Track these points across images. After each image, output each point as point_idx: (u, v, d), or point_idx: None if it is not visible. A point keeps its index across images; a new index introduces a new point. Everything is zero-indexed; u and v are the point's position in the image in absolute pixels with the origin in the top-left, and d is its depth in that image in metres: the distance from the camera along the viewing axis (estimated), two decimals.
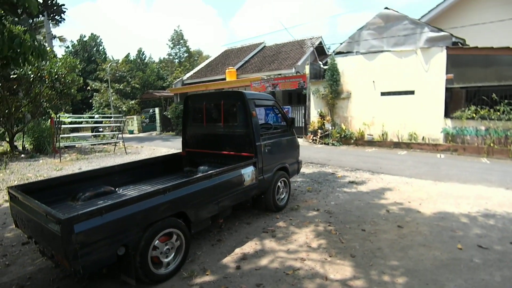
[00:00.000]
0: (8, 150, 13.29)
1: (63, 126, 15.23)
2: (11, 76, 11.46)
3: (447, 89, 11.59)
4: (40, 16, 21.31)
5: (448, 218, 4.47)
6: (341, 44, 14.09)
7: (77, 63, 13.60)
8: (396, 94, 12.61)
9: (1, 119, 13.18)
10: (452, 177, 7.03)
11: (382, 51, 12.82)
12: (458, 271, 3.06)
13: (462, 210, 4.80)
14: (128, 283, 2.90)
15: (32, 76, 11.91)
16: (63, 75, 12.78)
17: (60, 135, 13.10)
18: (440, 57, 11.61)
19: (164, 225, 3.07)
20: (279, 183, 4.90)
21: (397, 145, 12.35)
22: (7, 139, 13.30)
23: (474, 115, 10.85)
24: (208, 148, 5.09)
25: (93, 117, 20.69)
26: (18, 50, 3.48)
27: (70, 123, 16.57)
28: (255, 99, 4.56)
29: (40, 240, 2.92)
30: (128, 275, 2.85)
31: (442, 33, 11.67)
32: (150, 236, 2.92)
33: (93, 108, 30.36)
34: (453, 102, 11.68)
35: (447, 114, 11.60)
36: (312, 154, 10.58)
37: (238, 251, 3.65)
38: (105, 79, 30.21)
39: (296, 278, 3.03)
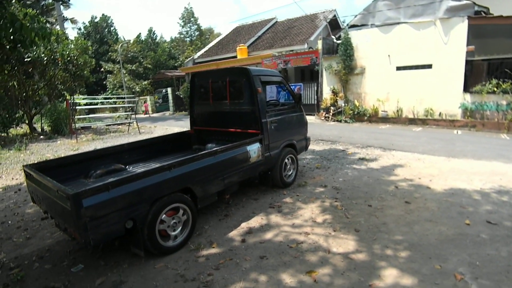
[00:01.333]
0: (28, 132, 13.81)
1: (78, 107, 15.70)
2: (25, 60, 11.67)
3: (467, 62, 11.04)
4: None
5: (459, 194, 4.39)
6: (355, 16, 13.51)
7: (89, 44, 13.66)
8: (412, 68, 12.12)
9: (20, 102, 13.61)
10: (467, 153, 6.82)
11: (398, 23, 12.22)
12: (463, 246, 3.04)
13: (474, 186, 4.69)
14: (138, 254, 3.04)
15: (45, 59, 12.10)
16: (75, 57, 12.94)
17: (76, 117, 13.48)
18: (461, 28, 10.98)
19: (170, 200, 3.16)
20: (286, 160, 4.91)
21: (412, 121, 12.02)
22: (27, 121, 13.79)
23: (495, 89, 10.34)
24: (215, 125, 5.11)
25: (109, 98, 21.08)
26: (21, 33, 3.52)
27: (86, 104, 17.00)
28: (261, 76, 4.49)
29: (54, 215, 3.07)
30: (137, 247, 2.99)
31: (463, 2, 10.96)
32: (157, 210, 3.02)
33: (107, 89, 30.82)
34: (473, 76, 11.13)
35: (466, 89, 11.11)
36: (323, 132, 10.47)
37: (244, 226, 3.74)
38: (117, 60, 30.42)
39: (299, 251, 3.09)
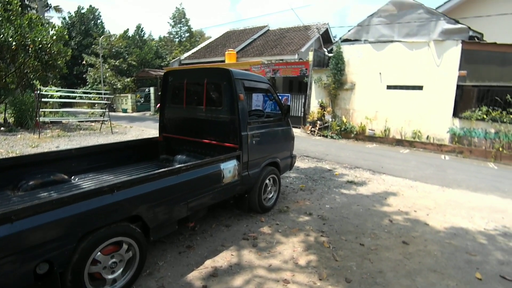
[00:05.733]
0: None
1: (52, 100, 14.48)
2: None
3: (458, 87, 10.83)
4: None
5: (462, 235, 3.82)
6: (349, 31, 13.18)
7: (65, 33, 12.60)
8: (403, 88, 11.83)
9: None
10: (460, 183, 6.37)
11: (392, 41, 11.95)
12: None
13: (477, 225, 4.15)
14: None
15: (14, 43, 10.98)
16: (48, 45, 11.86)
17: (44, 110, 12.33)
18: (455, 51, 10.79)
19: (109, 233, 2.38)
20: (267, 181, 4.21)
21: (400, 142, 11.67)
22: None
23: (485, 116, 10.13)
24: (187, 134, 4.36)
25: (87, 93, 19.72)
26: None
27: (59, 97, 15.72)
28: (244, 80, 3.80)
29: None
30: None
31: (459, 26, 10.80)
32: (88, 247, 2.24)
33: (87, 83, 29.33)
34: (463, 101, 10.93)
35: (455, 114, 10.87)
36: (309, 147, 9.88)
37: (209, 264, 2.99)
38: (102, 54, 29.08)
39: None
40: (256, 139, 3.88)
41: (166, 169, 2.81)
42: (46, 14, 32.87)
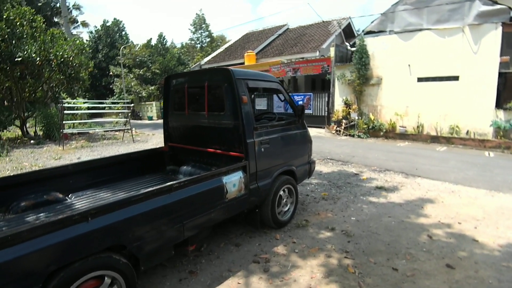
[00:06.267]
0: (19, 135, 13.05)
1: (79, 112, 14.90)
2: (16, 59, 10.92)
3: (500, 75, 9.69)
4: None
5: None
6: (372, 22, 12.33)
7: (85, 45, 12.90)
8: (436, 80, 10.81)
9: (14, 104, 12.93)
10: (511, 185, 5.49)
11: (421, 30, 10.99)
12: None
13: None
14: None
15: (37, 59, 11.35)
16: (70, 58, 12.16)
17: (65, 121, 12.63)
18: (494, 35, 9.67)
19: (86, 267, 2.03)
20: (281, 192, 3.73)
21: (435, 139, 10.64)
22: (18, 125, 13.06)
23: None
24: (192, 143, 3.99)
25: (114, 103, 20.19)
26: None
27: (86, 108, 16.11)
28: (248, 80, 3.35)
29: None
30: None
31: (497, 6, 9.66)
32: (59, 286, 1.89)
33: (114, 93, 30.34)
34: (508, 90, 9.75)
35: (499, 105, 9.73)
36: (333, 148, 9.23)
37: None
38: (127, 65, 29.98)
39: None
40: (265, 146, 3.41)
41: (153, 188, 2.42)
42: (75, 30, 34.56)
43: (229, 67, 3.26)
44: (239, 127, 3.22)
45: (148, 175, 4.18)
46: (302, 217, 4.11)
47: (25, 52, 10.90)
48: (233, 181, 3.04)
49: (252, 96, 16.16)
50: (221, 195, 2.93)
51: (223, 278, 2.83)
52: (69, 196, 3.39)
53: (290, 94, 4.20)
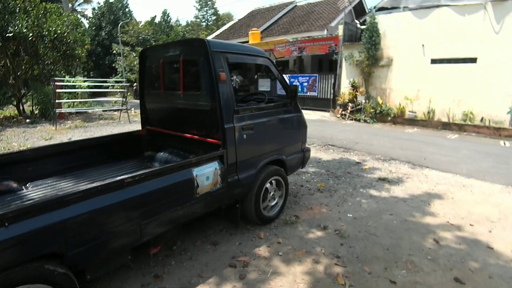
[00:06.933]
0: (15, 114, 12.78)
1: (79, 90, 14.50)
2: (7, 35, 10.43)
3: None
4: None
5: None
6: None
7: (80, 20, 12.30)
8: (451, 62, 10.01)
9: (9, 81, 12.56)
10: None
11: (438, 6, 10.07)
12: None
13: None
14: None
15: (30, 35, 10.84)
16: (64, 34, 11.61)
17: (62, 100, 12.27)
18: None
19: (7, 281, 1.63)
20: (267, 185, 3.28)
21: (446, 126, 9.98)
22: (14, 103, 12.76)
23: None
24: (169, 127, 3.53)
25: (106, 82, 19.66)
26: None
27: (75, 87, 15.58)
28: (228, 53, 2.81)
29: None
30: None
31: None
32: None
33: (118, 72, 29.79)
34: None
35: None
36: (336, 133, 8.69)
37: None
38: (130, 43, 29.26)
39: None
40: (248, 132, 2.92)
41: (98, 184, 1.97)
42: (80, 7, 33.67)
43: (205, 38, 2.73)
44: (216, 110, 2.73)
45: (123, 161, 3.76)
46: (292, 212, 3.68)
47: (16, 28, 10.39)
48: (206, 173, 2.59)
49: (256, 76, 15.58)
50: (190, 190, 2.49)
51: (192, 285, 2.44)
52: (27, 185, 2.99)
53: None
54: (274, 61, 3.48)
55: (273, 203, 3.44)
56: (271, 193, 3.38)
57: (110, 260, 2.15)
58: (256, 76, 15.24)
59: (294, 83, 14.01)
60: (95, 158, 3.62)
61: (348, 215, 3.61)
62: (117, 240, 2.10)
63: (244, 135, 2.88)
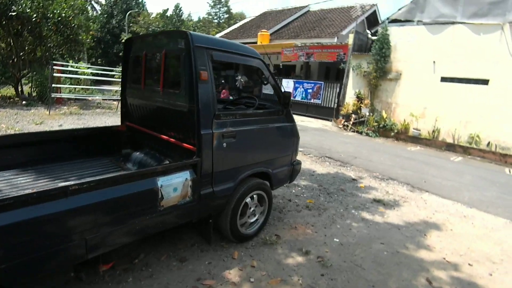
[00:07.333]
0: (12, 95, 12.57)
1: (82, 77, 14.25)
2: (10, 13, 10.21)
3: None
4: None
5: None
6: (399, 9, 11.07)
7: (86, 5, 12.07)
8: (462, 81, 9.65)
9: (10, 61, 12.35)
10: None
11: (454, 23, 9.72)
12: None
13: None
14: None
15: (34, 15, 10.61)
16: (69, 18, 11.38)
17: (61, 85, 12.04)
18: None
19: None
20: (248, 199, 2.96)
21: (451, 147, 9.61)
22: (13, 84, 12.54)
23: None
24: (147, 126, 3.23)
25: (112, 70, 19.47)
26: None
27: (75, 73, 15.32)
28: (214, 50, 2.50)
29: None
30: None
31: None
32: None
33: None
34: None
35: None
36: (336, 145, 8.35)
37: None
38: (140, 34, 29.08)
39: None
40: (229, 140, 2.61)
41: (36, 191, 1.67)
42: None
43: (188, 31, 2.42)
44: (194, 112, 2.42)
45: (97, 158, 3.46)
46: (274, 230, 3.35)
47: (20, 7, 10.17)
48: (174, 184, 2.28)
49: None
50: (153, 202, 2.18)
51: None
52: None
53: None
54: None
55: (252, 220, 3.12)
56: (251, 209, 3.06)
57: (45, 279, 1.84)
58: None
59: (299, 89, 13.71)
60: (68, 152, 3.33)
61: (335, 239, 3.28)
62: (54, 256, 1.79)
63: (224, 144, 2.57)
